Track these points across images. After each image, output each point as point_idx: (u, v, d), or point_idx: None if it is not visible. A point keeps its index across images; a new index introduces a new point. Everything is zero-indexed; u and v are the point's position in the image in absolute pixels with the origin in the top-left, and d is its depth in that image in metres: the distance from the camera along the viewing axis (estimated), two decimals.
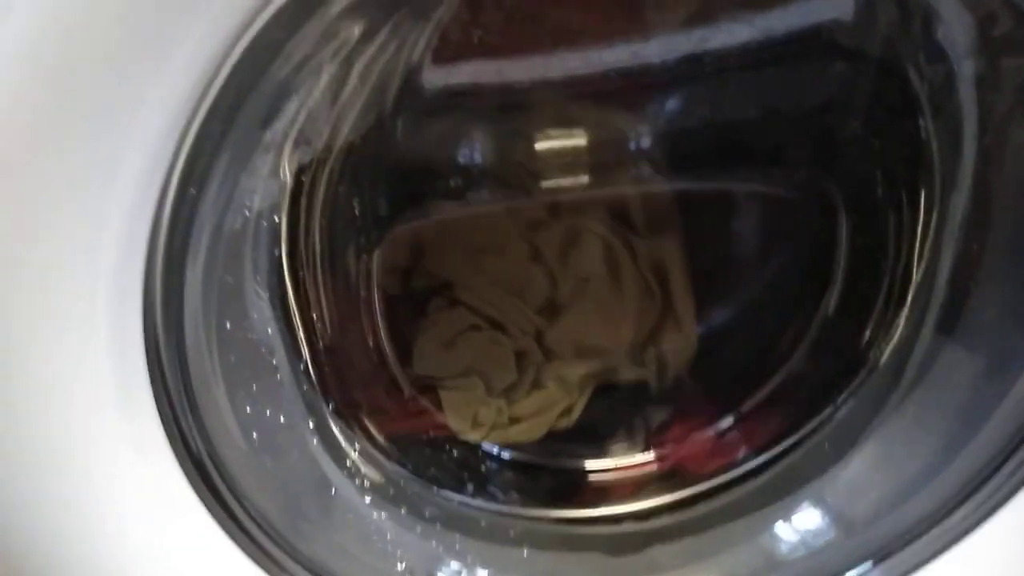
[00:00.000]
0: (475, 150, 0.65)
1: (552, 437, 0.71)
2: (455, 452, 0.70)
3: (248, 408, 0.52)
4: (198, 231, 0.43)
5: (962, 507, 0.57)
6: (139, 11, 0.36)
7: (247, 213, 0.48)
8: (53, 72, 0.36)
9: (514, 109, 0.63)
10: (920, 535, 0.57)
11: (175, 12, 0.37)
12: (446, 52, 0.57)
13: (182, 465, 0.47)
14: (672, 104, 0.64)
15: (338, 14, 0.42)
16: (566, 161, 0.66)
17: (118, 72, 0.37)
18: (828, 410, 0.65)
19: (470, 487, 0.68)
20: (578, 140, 0.67)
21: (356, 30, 0.46)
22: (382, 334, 0.67)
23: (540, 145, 0.66)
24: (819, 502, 0.63)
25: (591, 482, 0.71)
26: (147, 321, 0.43)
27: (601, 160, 0.66)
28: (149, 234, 0.41)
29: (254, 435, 0.52)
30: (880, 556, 0.57)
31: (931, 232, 0.60)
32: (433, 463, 0.67)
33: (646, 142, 0.66)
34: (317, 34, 0.42)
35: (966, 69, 0.53)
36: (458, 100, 0.61)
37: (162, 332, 0.44)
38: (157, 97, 0.38)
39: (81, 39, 0.36)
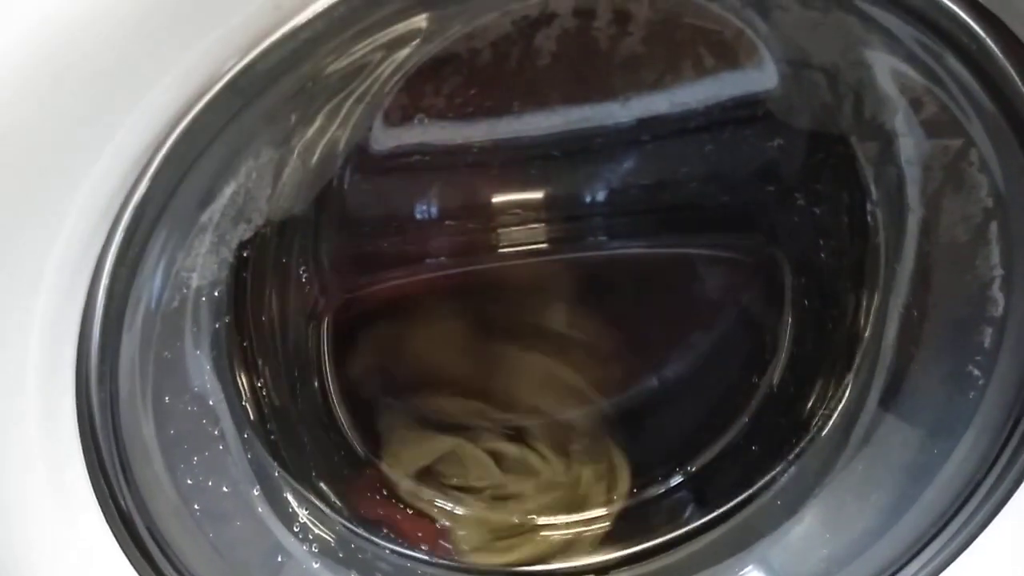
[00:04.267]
0: (426, 212, 0.65)
1: (506, 494, 0.72)
2: (409, 511, 0.70)
3: (189, 480, 0.51)
4: (132, 311, 0.44)
5: (906, 568, 0.58)
6: (72, 96, 0.36)
7: (185, 291, 0.48)
8: None
9: (464, 171, 0.64)
10: None
11: (108, 98, 0.37)
12: (394, 118, 0.58)
13: (120, 542, 0.47)
14: (625, 166, 0.66)
15: (274, 103, 0.42)
16: (521, 221, 0.67)
17: (51, 153, 0.37)
18: (777, 470, 0.66)
19: (424, 546, 0.68)
20: (533, 200, 0.68)
21: (292, 117, 0.47)
22: (333, 398, 0.67)
23: (495, 205, 0.67)
24: (765, 564, 0.63)
25: (543, 537, 0.71)
26: (80, 400, 0.43)
27: (557, 221, 0.67)
28: (81, 315, 0.42)
29: (196, 506, 0.52)
30: None
31: (876, 299, 0.62)
32: (386, 523, 0.67)
33: (600, 204, 0.66)
34: (253, 120, 0.43)
35: (901, 147, 0.55)
36: (407, 162, 0.61)
37: (97, 411, 0.44)
38: (90, 180, 0.39)
39: (13, 119, 0.36)
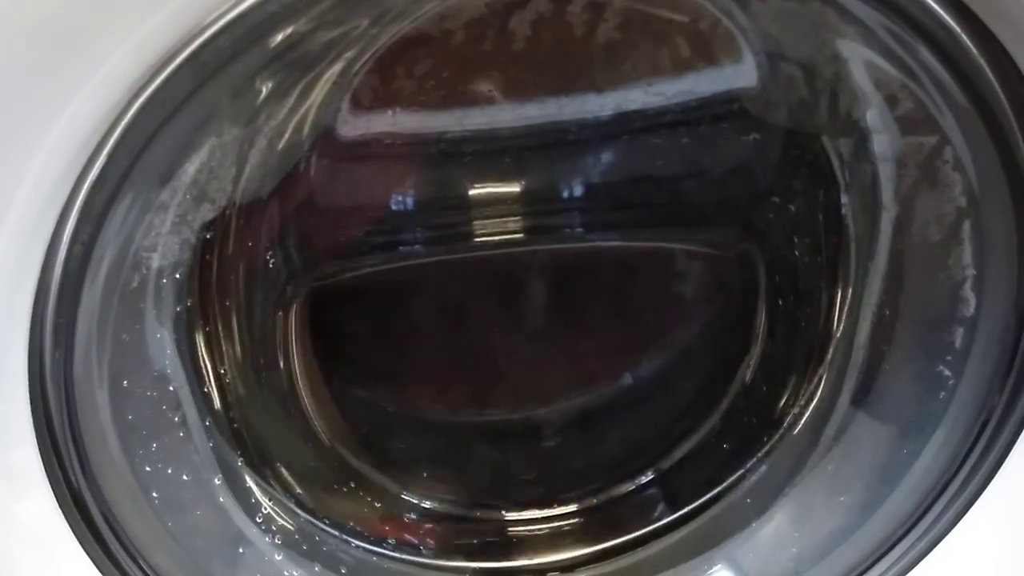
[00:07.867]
0: (398, 201, 0.64)
1: (474, 488, 0.71)
2: (376, 504, 0.69)
3: (147, 467, 0.50)
4: (89, 289, 0.43)
5: (875, 568, 0.58)
6: (25, 66, 0.35)
7: (145, 271, 0.47)
8: None
9: (436, 159, 0.63)
10: None
11: (65, 68, 0.36)
12: (364, 101, 0.57)
13: (73, 526, 0.46)
14: (600, 159, 0.65)
15: (241, 75, 0.41)
16: (495, 213, 0.66)
17: (4, 129, 0.36)
18: (747, 468, 0.66)
19: (390, 540, 0.67)
20: (507, 190, 0.67)
21: (259, 95, 0.46)
22: (300, 387, 0.66)
23: (468, 195, 0.66)
24: (733, 562, 0.63)
25: (511, 533, 0.70)
26: (33, 382, 0.42)
27: (531, 213, 0.66)
28: (35, 293, 0.41)
29: (154, 494, 0.51)
30: None
31: (849, 297, 0.62)
32: (351, 516, 0.66)
33: (576, 197, 0.66)
34: (219, 94, 0.42)
35: (876, 144, 0.55)
36: (377, 149, 0.60)
37: (51, 393, 0.43)
38: (43, 153, 0.37)
39: None
